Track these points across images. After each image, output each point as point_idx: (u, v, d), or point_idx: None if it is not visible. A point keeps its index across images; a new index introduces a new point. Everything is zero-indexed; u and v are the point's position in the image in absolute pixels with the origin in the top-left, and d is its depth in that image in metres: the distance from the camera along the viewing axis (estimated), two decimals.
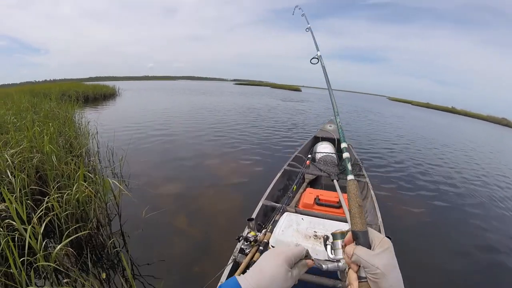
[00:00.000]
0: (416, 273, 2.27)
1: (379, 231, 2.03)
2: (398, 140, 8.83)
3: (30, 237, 1.73)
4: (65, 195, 2.19)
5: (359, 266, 0.43)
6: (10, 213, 1.85)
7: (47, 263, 1.75)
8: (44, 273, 1.87)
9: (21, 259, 1.67)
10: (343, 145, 0.60)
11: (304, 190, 2.65)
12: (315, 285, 1.55)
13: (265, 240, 1.74)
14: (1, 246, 1.66)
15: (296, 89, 51.14)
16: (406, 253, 2.48)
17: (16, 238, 1.80)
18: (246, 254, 1.69)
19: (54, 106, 6.20)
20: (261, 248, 1.72)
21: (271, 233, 1.76)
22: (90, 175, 2.63)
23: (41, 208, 2.03)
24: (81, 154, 3.82)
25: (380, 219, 2.20)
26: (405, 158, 6.35)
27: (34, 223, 1.86)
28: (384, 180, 4.59)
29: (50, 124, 3.79)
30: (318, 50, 1.12)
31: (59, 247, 1.80)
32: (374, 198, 2.59)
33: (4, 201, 1.92)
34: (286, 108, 15.69)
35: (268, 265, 0.46)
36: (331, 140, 4.82)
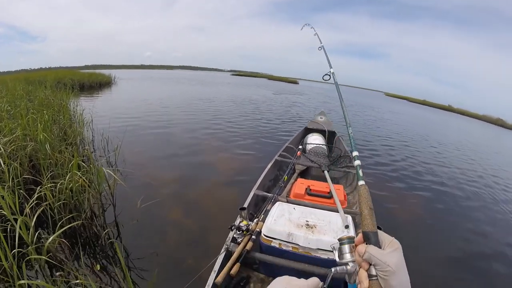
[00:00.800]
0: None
1: None
2: (394, 135, 8.86)
3: (21, 228, 1.71)
4: (58, 185, 2.17)
5: (370, 264, 0.44)
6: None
7: (39, 256, 1.73)
8: (37, 266, 1.86)
9: (13, 252, 1.64)
10: (355, 153, 0.64)
11: (295, 180, 2.67)
12: (306, 273, 1.59)
13: (257, 229, 1.76)
14: None
15: (293, 81, 50.84)
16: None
17: (8, 229, 1.79)
18: (239, 243, 1.71)
19: (49, 94, 6.09)
20: (253, 237, 1.74)
21: (263, 222, 1.78)
22: (84, 164, 2.62)
23: (34, 198, 2.01)
24: (76, 143, 3.79)
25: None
26: (399, 153, 6.39)
27: (26, 213, 1.84)
28: (376, 174, 4.62)
29: (45, 112, 3.74)
30: (331, 67, 1.14)
31: (51, 238, 1.78)
32: None
33: None
34: (281, 100, 15.64)
35: None
36: (321, 131, 4.87)
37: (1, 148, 2.46)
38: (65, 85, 9.66)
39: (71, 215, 2.15)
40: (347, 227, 1.55)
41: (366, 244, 0.46)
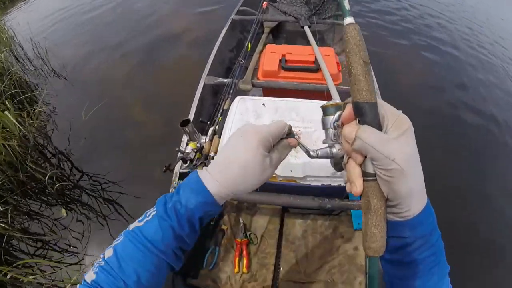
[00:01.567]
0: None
1: None
2: None
3: None
4: None
5: (365, 156, 0.28)
6: None
7: None
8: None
9: None
10: None
11: (263, 48, 1.71)
12: (294, 208, 1.09)
13: (212, 152, 1.13)
14: None
15: None
16: None
17: None
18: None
19: None
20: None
21: (220, 138, 1.12)
22: None
23: None
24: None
25: (373, 79, 1.41)
26: None
27: None
28: (372, 25, 3.32)
29: None
30: None
31: None
32: None
33: None
34: None
35: (237, 151, 0.34)
36: None
37: None
38: None
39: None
40: None
41: (359, 123, 0.28)
